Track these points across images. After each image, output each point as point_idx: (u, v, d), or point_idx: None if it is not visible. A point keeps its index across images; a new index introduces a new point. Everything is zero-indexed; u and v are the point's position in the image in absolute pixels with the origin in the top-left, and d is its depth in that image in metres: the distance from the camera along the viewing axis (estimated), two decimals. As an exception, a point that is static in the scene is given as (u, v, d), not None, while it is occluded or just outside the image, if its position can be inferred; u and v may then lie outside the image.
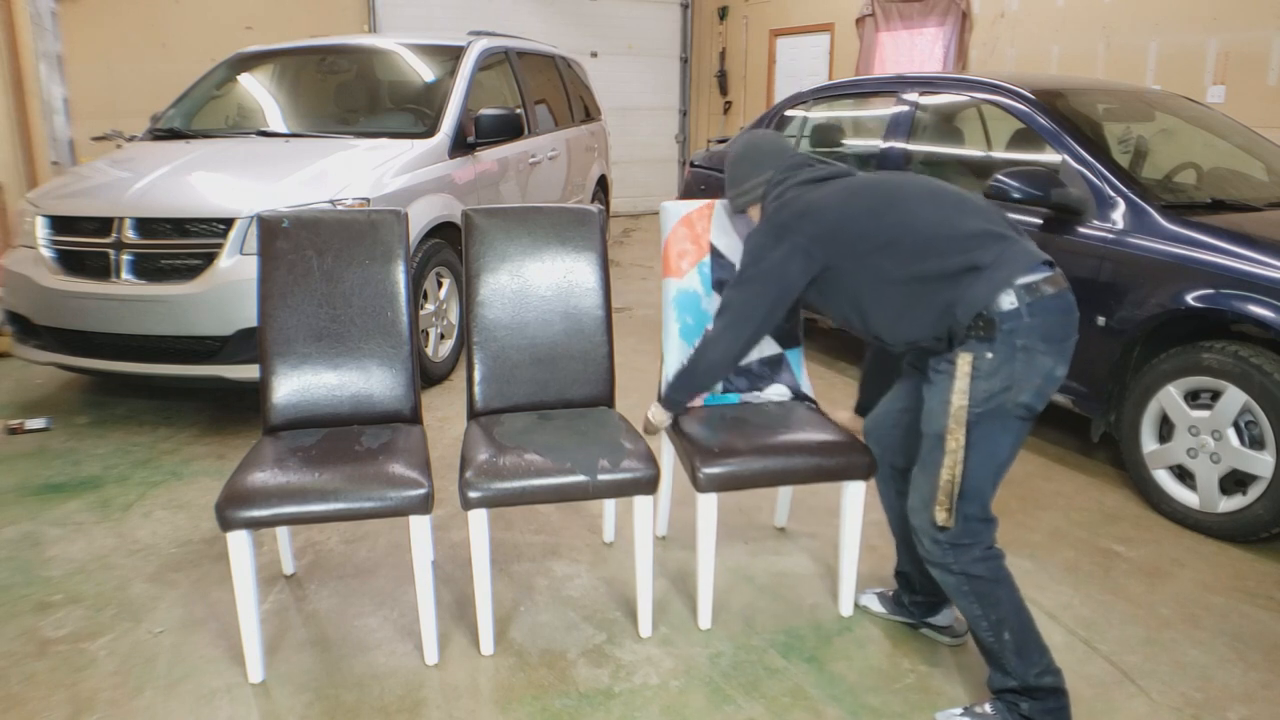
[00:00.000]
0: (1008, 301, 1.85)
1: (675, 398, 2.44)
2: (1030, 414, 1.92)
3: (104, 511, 3.07)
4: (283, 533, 2.64)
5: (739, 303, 2.21)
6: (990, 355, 1.86)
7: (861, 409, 2.51)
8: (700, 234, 2.65)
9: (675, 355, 2.58)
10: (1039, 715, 1.94)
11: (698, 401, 2.57)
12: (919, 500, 2.00)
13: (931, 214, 2.00)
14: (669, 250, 2.64)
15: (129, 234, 3.64)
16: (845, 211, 2.07)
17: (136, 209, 3.67)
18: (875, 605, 2.49)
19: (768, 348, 2.67)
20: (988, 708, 2.01)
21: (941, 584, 2.00)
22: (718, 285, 2.64)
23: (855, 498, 2.38)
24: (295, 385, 2.43)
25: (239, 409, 4.02)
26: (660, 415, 2.48)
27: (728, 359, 2.29)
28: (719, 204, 2.65)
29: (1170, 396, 3.01)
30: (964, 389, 1.87)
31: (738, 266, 2.26)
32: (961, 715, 2.03)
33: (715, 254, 2.65)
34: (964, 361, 1.87)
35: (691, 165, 5.79)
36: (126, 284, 3.61)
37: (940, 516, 1.92)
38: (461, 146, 4.58)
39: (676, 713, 2.08)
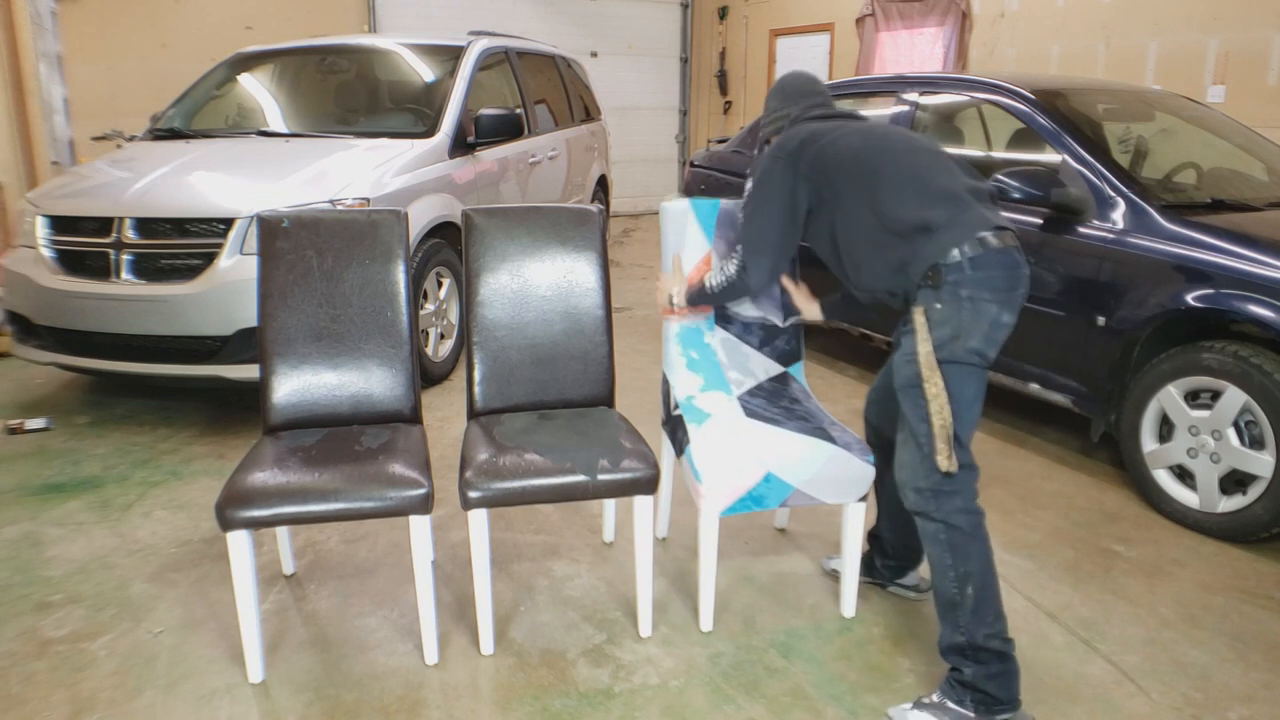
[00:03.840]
0: (952, 255, 1.98)
1: (696, 304, 2.57)
2: (983, 360, 2.02)
3: (104, 511, 3.07)
4: (283, 533, 2.64)
5: (756, 236, 2.31)
6: (939, 305, 1.99)
7: (826, 309, 2.61)
8: None
9: (682, 387, 2.59)
10: (982, 681, 1.97)
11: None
12: (905, 456, 2.09)
13: (904, 164, 2.13)
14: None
15: (129, 234, 3.64)
16: (836, 148, 2.20)
17: (136, 209, 3.67)
18: None
19: (772, 368, 2.69)
20: (934, 695, 2.05)
21: (921, 531, 2.07)
22: (720, 318, 2.70)
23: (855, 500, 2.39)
24: (295, 385, 2.43)
25: (239, 409, 4.02)
26: (681, 300, 2.58)
27: (757, 289, 2.40)
28: (715, 254, 2.68)
29: (1170, 396, 3.01)
30: (926, 336, 1.99)
31: (745, 190, 2.36)
32: (912, 709, 2.05)
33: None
34: (919, 314, 2.01)
35: (691, 165, 5.79)
36: (126, 284, 3.61)
37: (942, 463, 1.97)
38: (461, 146, 4.58)
39: (676, 713, 2.08)
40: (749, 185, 2.33)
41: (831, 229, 2.21)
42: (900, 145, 2.20)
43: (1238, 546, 2.89)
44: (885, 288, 2.12)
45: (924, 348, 1.99)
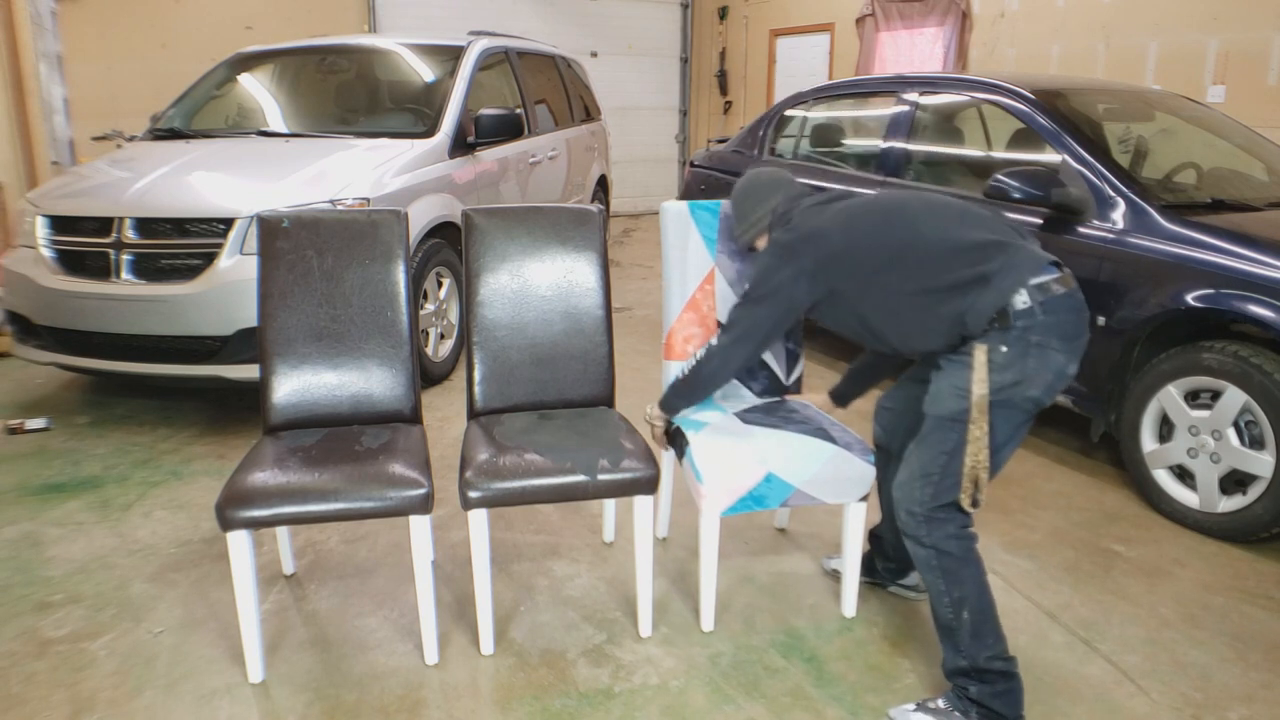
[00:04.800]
0: (1021, 301, 1.88)
1: (674, 404, 2.47)
2: (1036, 408, 1.96)
3: (104, 511, 3.07)
4: (283, 533, 2.64)
5: (745, 322, 2.24)
6: (1005, 349, 1.89)
7: (837, 396, 2.59)
8: (707, 314, 2.66)
9: (679, 414, 2.57)
10: (988, 699, 1.97)
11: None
12: (907, 474, 2.05)
13: (934, 228, 2.03)
14: (674, 337, 2.65)
15: (129, 234, 3.64)
16: (849, 234, 2.10)
17: (136, 209, 3.67)
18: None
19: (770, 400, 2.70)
20: (940, 701, 2.04)
21: (912, 556, 2.06)
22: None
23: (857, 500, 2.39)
24: (295, 385, 2.43)
25: (239, 409, 4.02)
26: (655, 413, 2.51)
27: (727, 373, 2.33)
28: (718, 270, 2.65)
29: (1170, 396, 3.01)
30: (984, 378, 1.89)
31: (746, 286, 2.28)
32: (915, 710, 2.05)
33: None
34: (980, 352, 1.90)
35: (691, 165, 5.79)
36: (126, 284, 3.61)
37: (964, 502, 1.95)
38: (461, 146, 4.58)
39: (676, 713, 2.08)
40: (751, 276, 2.24)
41: (859, 315, 2.11)
42: (920, 209, 2.11)
43: (1238, 546, 2.89)
44: (944, 344, 1.99)
45: (979, 389, 1.89)
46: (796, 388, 2.74)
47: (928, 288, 1.97)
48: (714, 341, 2.30)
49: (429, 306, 4.27)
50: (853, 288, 2.09)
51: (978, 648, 1.96)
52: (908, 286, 2.00)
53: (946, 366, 1.99)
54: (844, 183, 4.38)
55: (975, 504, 1.95)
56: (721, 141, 5.87)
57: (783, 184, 2.38)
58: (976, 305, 1.91)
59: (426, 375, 4.24)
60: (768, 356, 2.69)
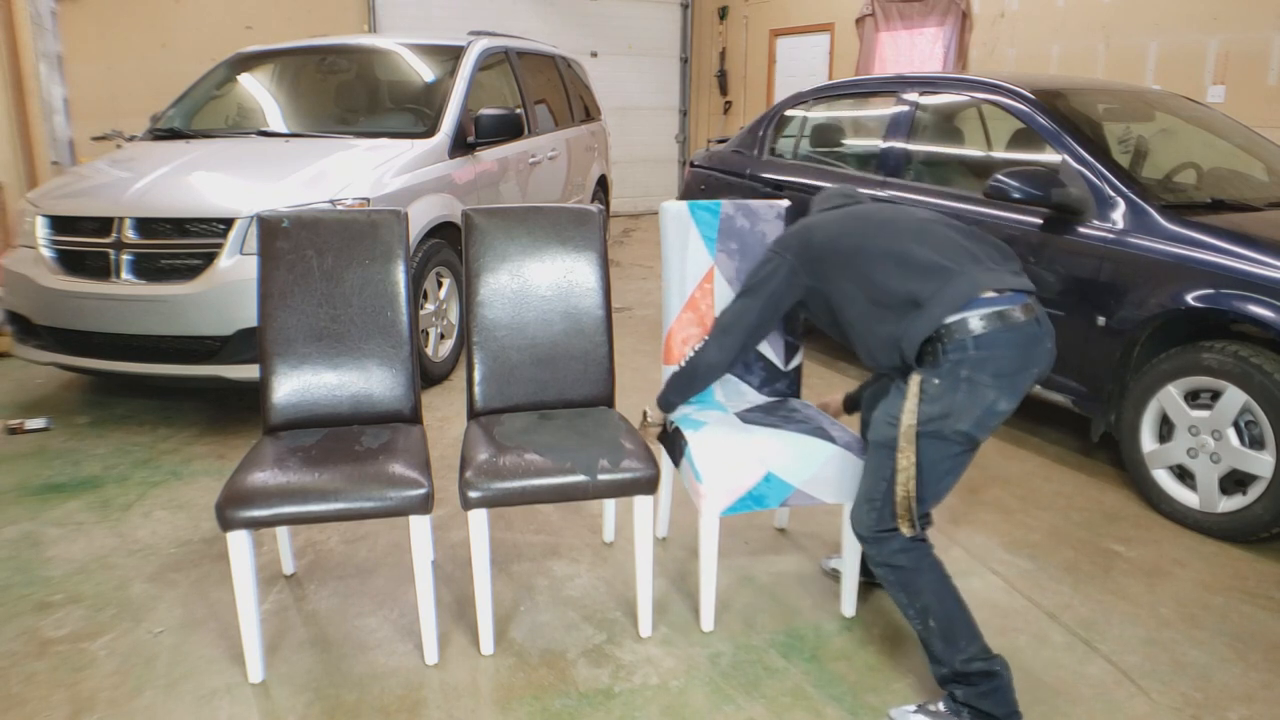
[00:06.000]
0: (954, 332, 1.90)
1: (672, 401, 2.52)
2: (970, 443, 1.98)
3: (104, 511, 3.07)
4: (283, 533, 2.64)
5: (733, 313, 2.34)
6: (936, 381, 1.92)
7: (849, 403, 2.65)
8: (705, 312, 2.65)
9: (676, 413, 2.58)
10: (975, 700, 1.97)
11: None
12: (856, 498, 2.15)
13: (885, 241, 2.09)
14: (672, 339, 2.63)
15: (129, 234, 3.64)
16: (824, 234, 2.20)
17: (136, 209, 3.67)
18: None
19: (770, 399, 2.70)
20: (940, 705, 2.04)
21: (874, 572, 2.12)
22: None
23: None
24: (295, 385, 2.43)
25: (239, 409, 4.02)
26: (656, 415, 2.57)
27: (721, 366, 2.39)
28: (717, 269, 2.65)
29: (1170, 396, 3.01)
30: (913, 409, 1.93)
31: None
32: (915, 712, 2.06)
33: None
34: (913, 382, 1.95)
35: (691, 165, 5.79)
36: (126, 284, 3.61)
37: (905, 529, 2.00)
38: (461, 146, 4.58)
39: (676, 713, 2.08)
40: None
41: (832, 314, 2.20)
42: (877, 220, 2.17)
43: (1238, 546, 2.89)
44: (887, 363, 2.07)
45: (908, 420, 1.93)
46: (795, 376, 2.74)
47: (872, 298, 2.04)
48: (706, 338, 2.39)
49: (429, 306, 4.27)
50: (823, 287, 2.18)
51: (951, 652, 1.98)
52: (859, 295, 2.08)
53: (891, 392, 2.06)
54: (843, 183, 4.38)
55: (915, 526, 1.99)
56: (721, 141, 5.87)
57: (828, 197, 2.43)
58: (909, 332, 1.95)
59: (426, 375, 4.24)
60: (764, 347, 2.69)
